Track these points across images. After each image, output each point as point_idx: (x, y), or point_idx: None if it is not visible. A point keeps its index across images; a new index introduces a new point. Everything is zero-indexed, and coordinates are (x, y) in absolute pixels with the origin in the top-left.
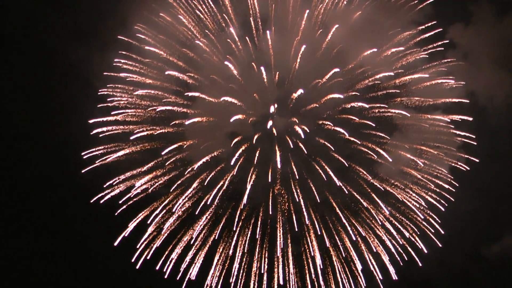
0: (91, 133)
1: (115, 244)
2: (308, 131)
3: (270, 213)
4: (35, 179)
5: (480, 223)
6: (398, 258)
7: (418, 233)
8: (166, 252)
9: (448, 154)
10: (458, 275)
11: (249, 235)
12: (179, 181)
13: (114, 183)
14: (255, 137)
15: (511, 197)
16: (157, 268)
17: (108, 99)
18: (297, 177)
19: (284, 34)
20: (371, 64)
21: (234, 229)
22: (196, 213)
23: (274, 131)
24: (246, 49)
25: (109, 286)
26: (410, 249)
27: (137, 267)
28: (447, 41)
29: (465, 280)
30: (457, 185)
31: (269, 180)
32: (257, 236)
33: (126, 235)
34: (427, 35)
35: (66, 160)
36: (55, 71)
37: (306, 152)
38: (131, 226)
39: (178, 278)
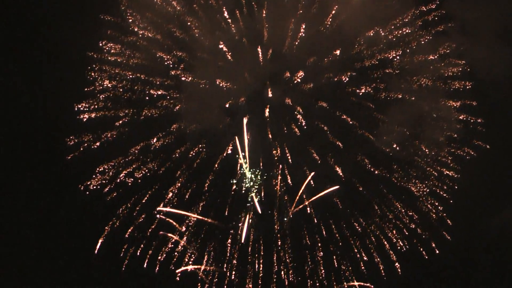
0: (76, 118)
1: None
2: (302, 112)
3: (263, 199)
4: (15, 169)
5: (479, 197)
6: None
7: (416, 217)
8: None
9: (449, 138)
10: (458, 250)
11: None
12: (168, 166)
13: (100, 171)
14: (245, 120)
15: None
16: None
17: (95, 82)
18: (290, 161)
19: (278, 9)
20: (371, 43)
21: (226, 214)
22: (185, 198)
23: (267, 113)
24: (237, 25)
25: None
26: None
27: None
28: (451, 24)
29: (465, 254)
30: (459, 168)
31: (261, 166)
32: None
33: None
34: (429, 18)
35: (49, 147)
36: (38, 52)
37: (299, 134)
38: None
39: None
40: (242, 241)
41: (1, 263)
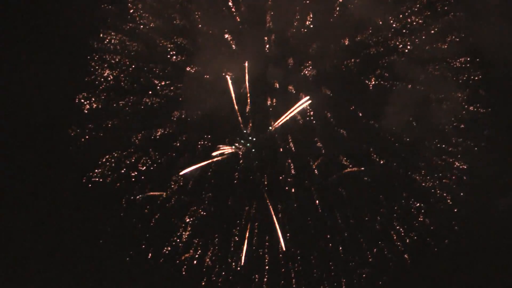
0: (77, 108)
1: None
2: (304, 97)
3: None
4: (15, 162)
5: (489, 188)
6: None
7: (424, 207)
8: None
9: (457, 128)
10: (466, 231)
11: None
12: (170, 155)
13: (103, 162)
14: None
15: None
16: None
17: (95, 72)
18: (293, 149)
19: None
20: (378, 31)
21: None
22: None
23: (270, 101)
24: (239, 10)
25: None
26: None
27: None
28: (460, 13)
29: (474, 244)
30: (467, 158)
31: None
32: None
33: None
34: (438, 7)
35: (51, 138)
36: (37, 41)
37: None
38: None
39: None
40: (242, 263)
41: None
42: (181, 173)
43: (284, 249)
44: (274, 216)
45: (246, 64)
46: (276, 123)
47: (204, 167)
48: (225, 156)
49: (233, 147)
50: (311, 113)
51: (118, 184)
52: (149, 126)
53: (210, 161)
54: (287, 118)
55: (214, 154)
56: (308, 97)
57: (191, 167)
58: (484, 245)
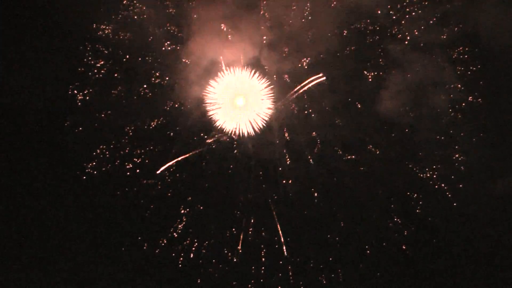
0: (71, 100)
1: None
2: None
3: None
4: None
5: (486, 168)
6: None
7: (422, 198)
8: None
9: (455, 119)
10: (464, 222)
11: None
12: (164, 146)
13: (97, 154)
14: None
15: None
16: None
17: (88, 62)
18: (288, 138)
19: None
20: (375, 20)
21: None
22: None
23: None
24: None
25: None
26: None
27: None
28: (459, 2)
29: (471, 226)
30: (465, 149)
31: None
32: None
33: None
34: None
35: (44, 131)
36: (29, 29)
37: (297, 111)
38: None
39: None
40: (239, 255)
41: None
42: (158, 172)
43: (286, 253)
44: (275, 215)
45: (242, 50)
46: (289, 95)
47: (200, 154)
48: (220, 143)
49: (228, 135)
50: (308, 103)
51: (113, 176)
52: (143, 116)
53: (188, 154)
54: (299, 93)
55: (208, 141)
56: (321, 74)
57: (168, 163)
58: (483, 236)
